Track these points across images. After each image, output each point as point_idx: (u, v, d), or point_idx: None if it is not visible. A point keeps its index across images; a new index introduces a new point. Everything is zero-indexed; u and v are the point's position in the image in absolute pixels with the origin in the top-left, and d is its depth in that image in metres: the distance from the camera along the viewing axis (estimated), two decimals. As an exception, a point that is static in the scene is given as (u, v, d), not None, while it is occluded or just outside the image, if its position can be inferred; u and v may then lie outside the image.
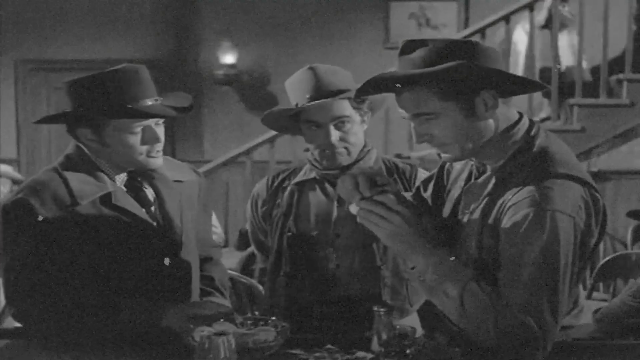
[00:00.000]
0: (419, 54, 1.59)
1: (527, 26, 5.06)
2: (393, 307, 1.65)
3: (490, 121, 1.63)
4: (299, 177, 2.22)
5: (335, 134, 2.08)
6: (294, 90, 2.13)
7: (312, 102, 2.05)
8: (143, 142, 1.86)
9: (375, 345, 1.59)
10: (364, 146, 2.17)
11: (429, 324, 1.61)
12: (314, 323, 2.12)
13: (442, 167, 1.88)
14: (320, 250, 2.15)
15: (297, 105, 2.10)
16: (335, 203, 2.15)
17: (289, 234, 2.17)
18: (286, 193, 2.21)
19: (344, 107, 2.08)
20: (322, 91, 2.06)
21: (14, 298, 1.81)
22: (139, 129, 1.84)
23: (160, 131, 1.89)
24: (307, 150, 2.21)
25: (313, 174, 2.20)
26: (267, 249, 2.30)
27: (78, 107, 1.83)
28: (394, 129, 5.15)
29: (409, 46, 1.62)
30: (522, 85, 1.68)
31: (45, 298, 1.77)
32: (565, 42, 5.37)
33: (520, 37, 5.27)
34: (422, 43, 1.60)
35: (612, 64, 5.05)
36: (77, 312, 1.76)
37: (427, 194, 1.91)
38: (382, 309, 1.60)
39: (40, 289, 1.77)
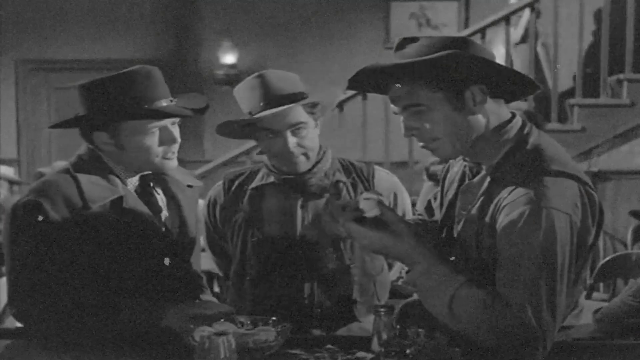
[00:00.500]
0: (411, 48, 1.61)
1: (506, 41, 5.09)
2: (393, 306, 1.63)
3: (480, 116, 1.63)
4: (258, 182, 2.19)
5: (292, 141, 2.05)
6: (245, 98, 2.12)
7: (268, 111, 2.03)
8: (160, 143, 1.86)
9: (375, 345, 1.59)
10: (319, 148, 2.16)
11: (429, 323, 1.61)
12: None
13: (444, 178, 1.89)
14: (285, 252, 2.12)
15: (250, 113, 2.08)
16: (299, 203, 2.13)
17: (254, 239, 2.14)
18: (246, 197, 2.18)
19: (299, 113, 2.05)
20: (274, 98, 2.04)
21: (14, 298, 1.81)
22: (155, 130, 1.84)
23: (177, 131, 1.90)
24: (261, 152, 2.19)
25: (272, 179, 2.17)
26: (225, 253, 2.28)
27: (93, 110, 1.82)
28: (394, 129, 5.14)
29: (404, 43, 1.63)
30: (522, 85, 1.67)
31: (46, 298, 1.76)
32: (542, 55, 5.44)
33: (499, 52, 5.22)
34: (417, 40, 1.62)
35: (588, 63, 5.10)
36: (78, 312, 1.76)
37: (437, 204, 1.93)
38: (382, 309, 1.60)
39: (41, 289, 1.77)
